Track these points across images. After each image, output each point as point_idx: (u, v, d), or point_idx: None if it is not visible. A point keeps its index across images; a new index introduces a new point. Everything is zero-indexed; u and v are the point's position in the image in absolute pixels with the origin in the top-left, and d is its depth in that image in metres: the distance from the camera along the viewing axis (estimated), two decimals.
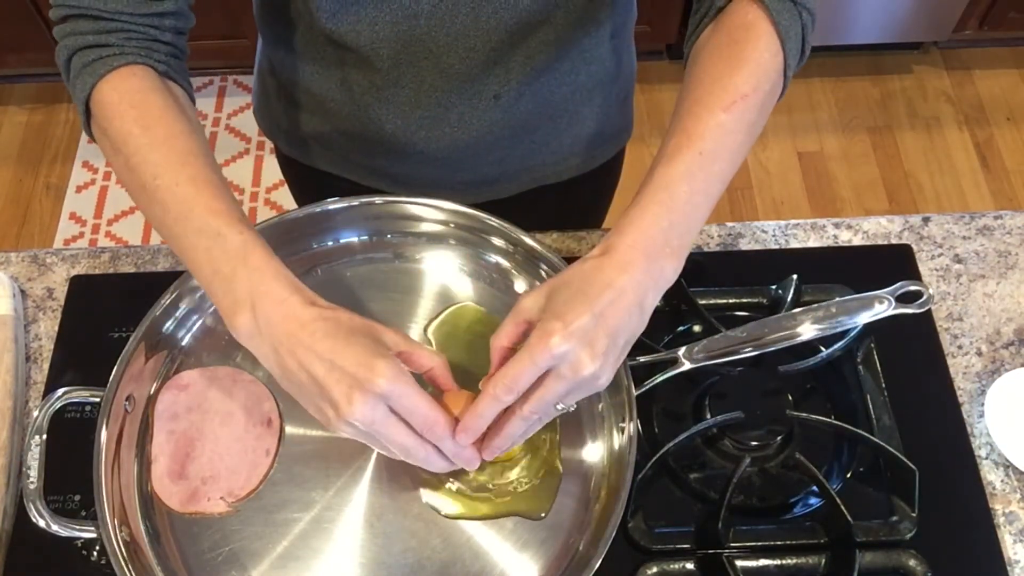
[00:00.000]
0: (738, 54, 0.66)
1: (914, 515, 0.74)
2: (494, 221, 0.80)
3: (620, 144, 1.02)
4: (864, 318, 0.75)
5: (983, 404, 0.80)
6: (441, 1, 0.74)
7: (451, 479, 0.72)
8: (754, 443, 0.76)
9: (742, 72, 0.65)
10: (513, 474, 0.73)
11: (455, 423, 0.61)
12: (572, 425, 0.75)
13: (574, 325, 0.56)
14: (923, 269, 0.89)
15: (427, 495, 0.72)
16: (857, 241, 0.91)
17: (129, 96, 0.66)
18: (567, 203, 1.02)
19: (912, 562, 0.72)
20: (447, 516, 0.71)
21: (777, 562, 0.73)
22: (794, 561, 0.73)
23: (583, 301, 0.58)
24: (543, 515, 0.71)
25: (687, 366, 0.75)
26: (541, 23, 0.78)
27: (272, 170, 2.16)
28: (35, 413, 0.71)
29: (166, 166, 0.64)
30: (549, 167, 0.95)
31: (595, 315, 0.57)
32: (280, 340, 0.59)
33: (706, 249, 0.91)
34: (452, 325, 0.80)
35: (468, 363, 0.76)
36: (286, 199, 2.12)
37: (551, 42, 0.80)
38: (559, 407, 0.60)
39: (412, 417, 0.59)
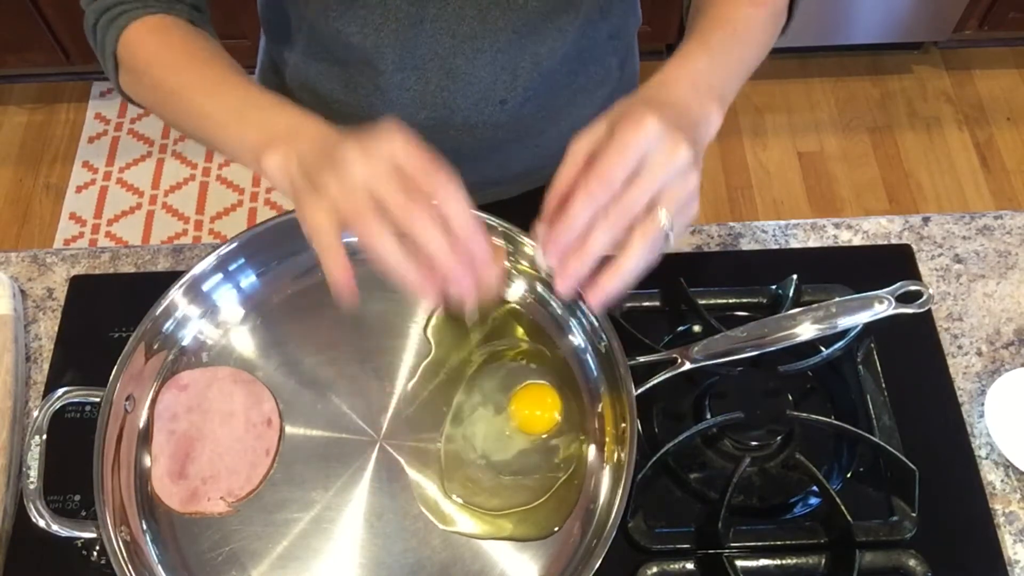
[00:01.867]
0: None
1: (914, 515, 0.74)
2: (494, 221, 0.80)
3: None
4: (864, 318, 0.75)
5: (983, 404, 0.80)
6: (447, 6, 0.74)
7: (455, 495, 0.72)
8: (754, 443, 0.76)
9: None
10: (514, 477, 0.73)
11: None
12: (572, 425, 0.75)
13: (663, 112, 0.52)
14: (923, 269, 0.89)
15: (441, 509, 0.72)
16: (857, 241, 0.91)
17: (151, 33, 0.70)
18: None
19: (912, 562, 0.72)
20: (463, 534, 0.71)
21: (777, 562, 0.73)
22: (794, 561, 0.73)
23: (658, 104, 0.54)
24: (556, 529, 0.71)
25: (687, 366, 0.75)
26: (548, 25, 0.78)
27: None
28: (35, 413, 0.71)
29: (190, 70, 0.67)
30: (551, 168, 0.95)
31: (676, 111, 0.54)
32: (312, 151, 0.57)
33: (706, 249, 0.91)
34: (447, 316, 0.80)
35: (469, 355, 0.77)
36: (286, 199, 2.12)
37: (557, 47, 0.80)
38: (660, 219, 0.53)
39: (421, 176, 0.54)
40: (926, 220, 0.93)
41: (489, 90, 0.81)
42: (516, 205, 0.96)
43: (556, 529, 0.71)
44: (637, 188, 0.52)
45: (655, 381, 0.74)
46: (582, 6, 0.78)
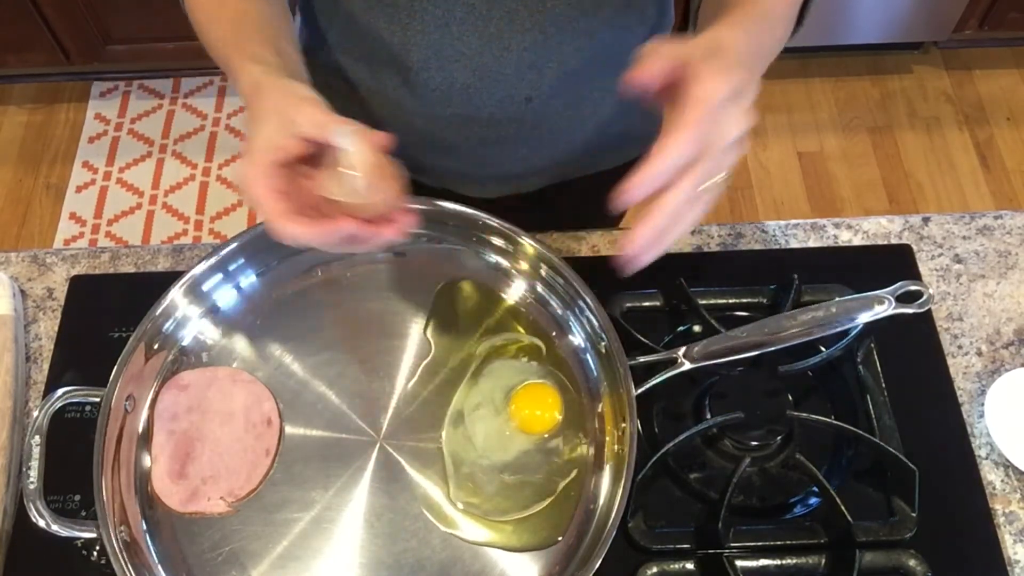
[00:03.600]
0: None
1: (914, 515, 0.74)
2: (494, 221, 0.80)
3: (650, 143, 1.01)
4: (864, 318, 0.76)
5: (983, 404, 0.80)
6: (474, 9, 0.74)
7: (459, 500, 0.73)
8: (754, 443, 0.76)
9: None
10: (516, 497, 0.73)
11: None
12: (572, 425, 0.75)
13: (745, 82, 0.55)
14: (923, 269, 0.89)
15: (447, 516, 0.72)
16: (857, 241, 0.91)
17: None
18: (590, 195, 1.02)
19: (912, 562, 0.72)
20: (469, 541, 0.71)
21: (777, 562, 0.73)
22: (794, 561, 0.73)
23: (740, 67, 0.56)
24: (559, 539, 0.71)
25: (687, 366, 0.75)
26: (576, 28, 0.77)
27: None
28: (35, 413, 0.71)
29: (212, 17, 0.72)
30: (576, 163, 0.96)
31: (752, 83, 0.57)
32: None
33: (706, 249, 0.91)
34: (446, 313, 0.81)
35: (469, 353, 0.78)
36: None
37: (585, 47, 0.80)
38: (720, 185, 0.57)
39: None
40: (926, 220, 0.93)
41: (515, 88, 0.81)
42: (535, 200, 0.96)
43: (559, 539, 0.71)
44: (715, 156, 0.55)
45: (655, 381, 0.74)
46: (609, 9, 0.78)
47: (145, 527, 0.71)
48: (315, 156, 0.60)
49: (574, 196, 1.01)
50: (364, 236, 0.59)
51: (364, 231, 0.59)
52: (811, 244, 0.91)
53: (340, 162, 0.59)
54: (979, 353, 0.85)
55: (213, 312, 0.80)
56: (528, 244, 0.80)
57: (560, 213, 0.94)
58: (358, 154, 0.59)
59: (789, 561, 0.73)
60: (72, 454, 0.72)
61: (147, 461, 0.74)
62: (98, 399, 0.72)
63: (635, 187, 0.56)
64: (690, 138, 0.54)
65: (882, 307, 0.75)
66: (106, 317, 0.85)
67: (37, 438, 0.70)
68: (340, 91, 0.90)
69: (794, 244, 0.91)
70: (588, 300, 0.76)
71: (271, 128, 0.59)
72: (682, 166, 0.55)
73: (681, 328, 0.84)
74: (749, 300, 0.85)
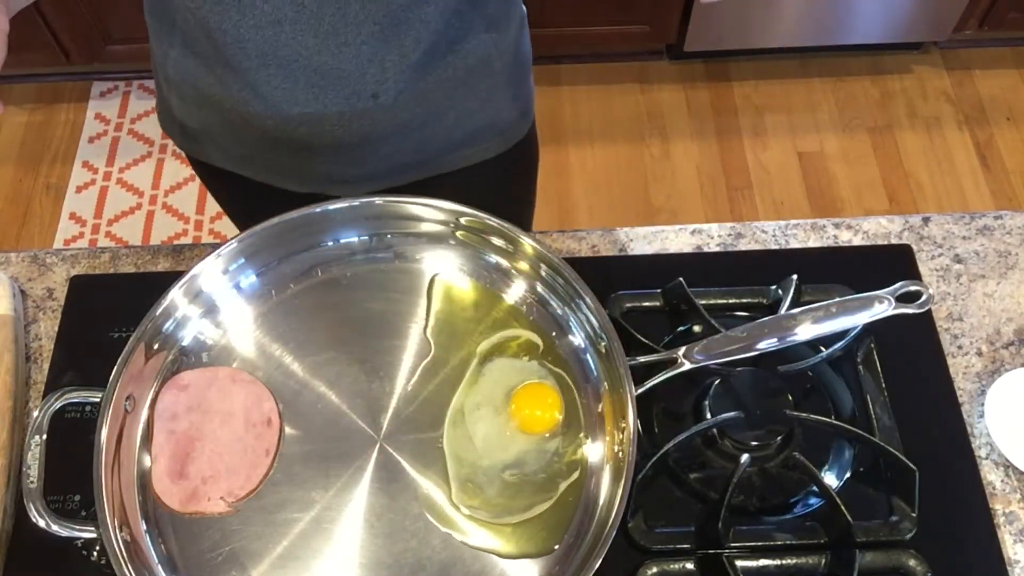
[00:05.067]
0: None
1: (914, 515, 0.74)
2: (494, 221, 0.80)
3: (517, 135, 0.99)
4: (864, 318, 0.76)
5: (983, 404, 0.80)
6: (304, 9, 0.73)
7: (462, 503, 0.72)
8: (754, 443, 0.76)
9: None
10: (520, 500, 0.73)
11: None
12: (572, 425, 0.76)
13: None
14: (923, 269, 0.89)
15: (447, 518, 0.72)
16: (857, 241, 0.91)
17: None
18: (472, 190, 1.00)
19: (912, 562, 0.72)
20: (469, 545, 0.71)
21: (777, 562, 0.73)
22: (794, 561, 0.73)
23: None
24: (556, 547, 0.71)
25: (687, 366, 0.75)
26: (410, 16, 0.76)
27: None
28: (35, 413, 0.71)
29: None
30: (444, 157, 0.94)
31: None
32: None
33: (706, 249, 0.91)
34: (447, 312, 0.81)
35: (470, 353, 0.78)
36: None
37: (424, 39, 0.79)
38: None
39: None
40: (926, 220, 0.93)
41: (359, 84, 0.80)
42: (416, 193, 0.93)
43: (556, 547, 0.71)
44: None
45: (655, 381, 0.74)
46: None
47: (145, 527, 0.71)
48: None
49: (454, 189, 0.96)
50: None
51: None
52: (811, 244, 0.91)
53: None
54: (979, 353, 0.85)
55: (213, 312, 0.80)
56: (528, 244, 0.80)
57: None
58: None
59: (789, 561, 0.73)
60: (72, 454, 0.72)
61: (147, 461, 0.74)
62: (98, 399, 0.72)
63: None
64: None
65: (882, 307, 0.75)
66: (106, 317, 0.85)
67: (37, 438, 0.70)
68: (195, 100, 0.87)
69: (794, 244, 0.91)
70: (588, 300, 0.76)
71: None
72: None
73: (681, 328, 0.84)
74: (749, 300, 0.85)
